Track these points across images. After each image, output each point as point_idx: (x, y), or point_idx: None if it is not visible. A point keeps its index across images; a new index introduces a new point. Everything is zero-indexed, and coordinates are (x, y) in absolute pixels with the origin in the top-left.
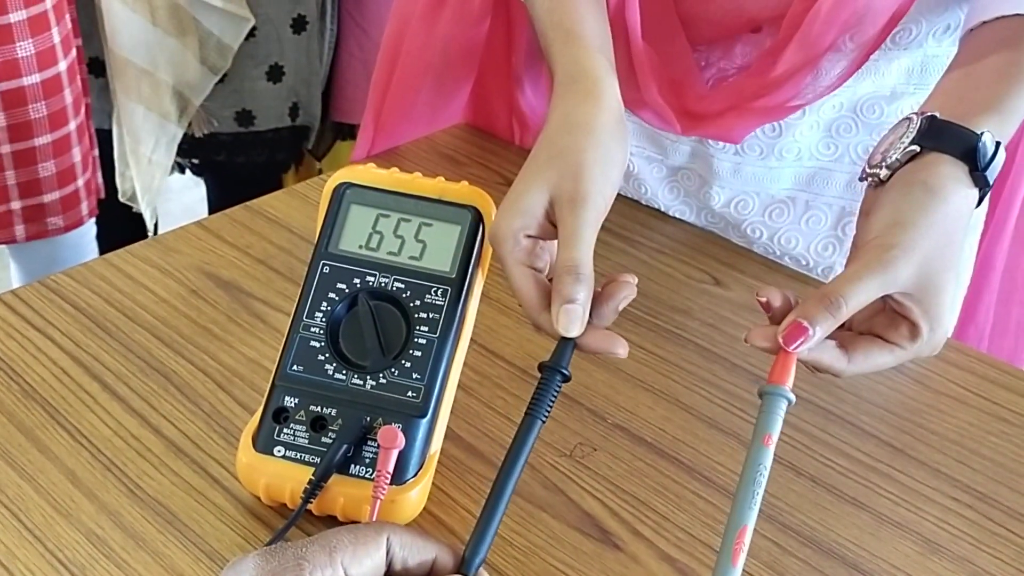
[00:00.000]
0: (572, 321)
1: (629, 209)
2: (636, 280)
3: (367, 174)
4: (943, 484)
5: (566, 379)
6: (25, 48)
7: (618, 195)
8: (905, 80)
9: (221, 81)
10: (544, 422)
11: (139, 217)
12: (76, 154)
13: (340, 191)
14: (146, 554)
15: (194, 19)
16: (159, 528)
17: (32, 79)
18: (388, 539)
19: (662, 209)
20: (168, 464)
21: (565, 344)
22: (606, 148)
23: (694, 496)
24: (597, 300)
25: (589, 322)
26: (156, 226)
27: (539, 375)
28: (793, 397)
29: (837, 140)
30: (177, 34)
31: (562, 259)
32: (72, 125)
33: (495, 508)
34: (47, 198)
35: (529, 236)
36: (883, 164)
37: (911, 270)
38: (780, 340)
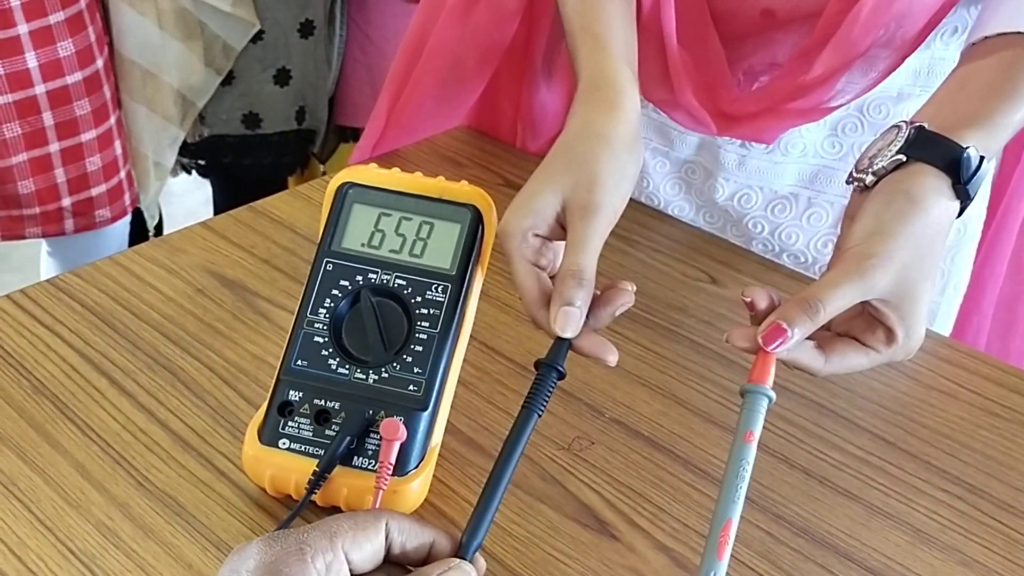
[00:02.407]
0: (569, 323)
1: (628, 208)
2: (635, 288)
3: (369, 174)
4: (933, 476)
5: (561, 376)
6: (66, 48)
7: None
8: (912, 81)
9: (228, 84)
10: (540, 415)
11: (143, 216)
12: (118, 147)
13: (343, 190)
14: (155, 544)
15: (200, 23)
16: (167, 519)
17: (75, 77)
18: (387, 524)
19: (662, 203)
20: (176, 457)
21: (561, 343)
22: (621, 161)
23: (689, 488)
24: (595, 303)
25: (585, 324)
26: (159, 227)
27: (536, 372)
28: (773, 395)
29: (842, 139)
30: (183, 38)
31: (567, 263)
32: (112, 119)
33: (492, 494)
34: (95, 191)
35: (537, 235)
36: (869, 170)
37: (889, 279)
38: (760, 341)
